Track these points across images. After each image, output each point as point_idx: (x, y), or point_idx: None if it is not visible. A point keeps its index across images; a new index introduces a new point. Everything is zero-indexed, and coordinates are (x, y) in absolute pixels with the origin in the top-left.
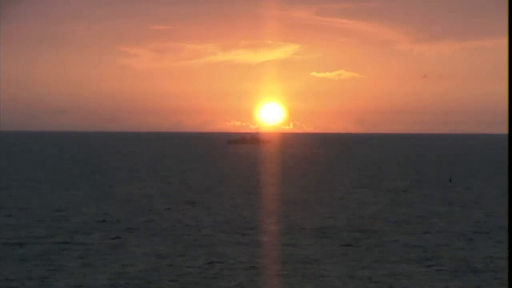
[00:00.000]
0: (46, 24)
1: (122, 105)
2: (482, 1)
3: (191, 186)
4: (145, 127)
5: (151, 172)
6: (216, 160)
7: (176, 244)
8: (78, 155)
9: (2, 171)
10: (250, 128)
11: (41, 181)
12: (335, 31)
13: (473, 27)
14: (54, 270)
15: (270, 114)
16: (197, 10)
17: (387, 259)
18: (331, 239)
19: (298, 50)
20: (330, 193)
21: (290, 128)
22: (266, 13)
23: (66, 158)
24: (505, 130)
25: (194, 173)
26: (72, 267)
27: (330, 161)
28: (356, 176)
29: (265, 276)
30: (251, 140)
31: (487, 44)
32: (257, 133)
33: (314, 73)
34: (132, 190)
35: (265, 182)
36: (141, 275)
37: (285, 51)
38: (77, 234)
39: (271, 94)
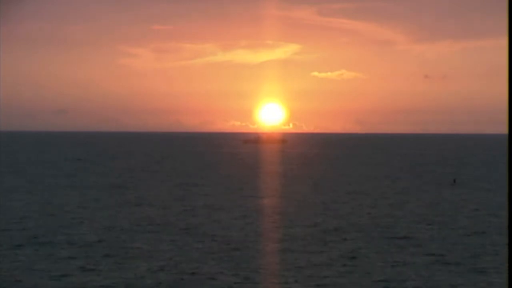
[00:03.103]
0: (46, 24)
1: (122, 105)
2: (482, 1)
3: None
4: (145, 127)
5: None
6: (245, 159)
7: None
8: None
9: (2, 171)
10: (250, 128)
11: (43, 182)
12: (335, 31)
13: (473, 27)
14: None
15: (270, 114)
16: (198, 10)
17: (401, 260)
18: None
19: (299, 50)
20: (352, 194)
21: (289, 128)
22: (266, 13)
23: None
24: (505, 130)
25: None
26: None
27: (341, 160)
28: (366, 175)
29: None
30: (267, 140)
31: (487, 44)
32: (273, 133)
33: (315, 73)
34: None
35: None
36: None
37: (285, 51)
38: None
39: (271, 94)
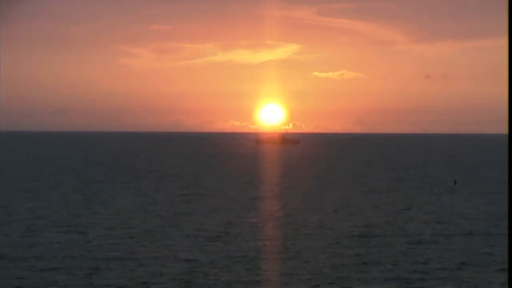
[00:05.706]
0: (46, 24)
1: (122, 105)
2: (482, 1)
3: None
4: (145, 127)
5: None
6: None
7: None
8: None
9: (3, 172)
10: (250, 128)
11: (44, 183)
12: (335, 31)
13: (473, 27)
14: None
15: (270, 114)
16: (197, 10)
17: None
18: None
19: (298, 50)
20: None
21: (289, 128)
22: (266, 13)
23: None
24: (505, 130)
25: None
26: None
27: (344, 161)
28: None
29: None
30: (280, 140)
31: (487, 44)
32: (286, 133)
33: (316, 73)
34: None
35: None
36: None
37: (285, 51)
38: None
39: (271, 94)
